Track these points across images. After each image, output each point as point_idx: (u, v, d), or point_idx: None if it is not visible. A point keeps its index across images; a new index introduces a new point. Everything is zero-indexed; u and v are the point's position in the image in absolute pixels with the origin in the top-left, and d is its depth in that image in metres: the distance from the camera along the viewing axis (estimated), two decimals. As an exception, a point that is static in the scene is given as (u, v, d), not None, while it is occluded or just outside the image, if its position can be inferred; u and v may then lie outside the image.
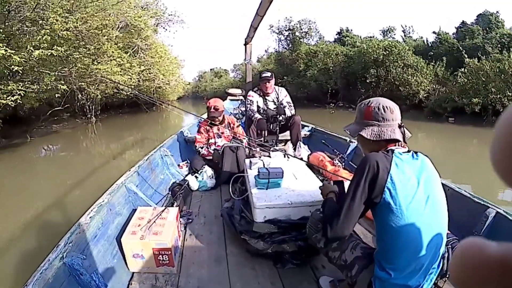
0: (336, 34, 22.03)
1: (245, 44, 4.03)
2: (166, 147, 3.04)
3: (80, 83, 8.56)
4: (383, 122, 1.01)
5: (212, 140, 2.94)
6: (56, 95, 7.37)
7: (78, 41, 7.00)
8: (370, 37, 18.96)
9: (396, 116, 1.02)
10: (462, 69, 10.48)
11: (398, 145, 1.02)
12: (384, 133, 1.00)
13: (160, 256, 1.42)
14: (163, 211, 1.62)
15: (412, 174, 0.93)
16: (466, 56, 10.56)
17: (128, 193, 1.86)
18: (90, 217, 1.36)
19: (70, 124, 11.12)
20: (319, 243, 1.17)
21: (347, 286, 1.10)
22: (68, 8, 6.67)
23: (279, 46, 23.63)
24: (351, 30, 21.79)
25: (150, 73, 13.00)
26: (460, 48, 12.07)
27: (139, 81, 11.89)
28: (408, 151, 1.00)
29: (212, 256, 1.60)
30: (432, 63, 12.74)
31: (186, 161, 3.22)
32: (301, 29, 21.32)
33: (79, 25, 6.67)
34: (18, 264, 2.33)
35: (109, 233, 1.49)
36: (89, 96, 11.52)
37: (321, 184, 1.83)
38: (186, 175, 2.77)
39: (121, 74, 9.21)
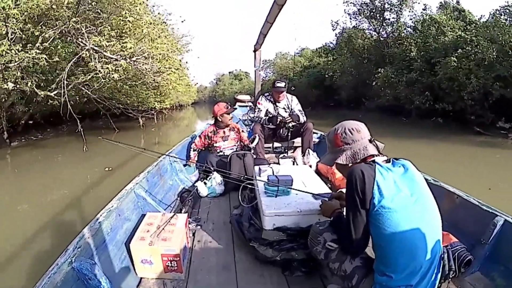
0: (439, 7, 13.83)
1: (254, 51, 4.06)
2: (176, 152, 3.06)
3: None
4: (354, 144, 1.08)
5: (217, 144, 2.96)
6: None
7: None
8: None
9: (364, 134, 1.09)
10: None
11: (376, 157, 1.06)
12: (358, 153, 1.07)
13: (169, 262, 1.42)
14: (172, 217, 1.63)
15: (396, 179, 0.97)
16: None
17: (137, 198, 1.88)
18: (99, 222, 1.38)
19: None
20: (320, 255, 1.20)
21: None
22: None
23: (350, 23, 16.64)
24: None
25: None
26: None
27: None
28: (388, 160, 1.05)
29: (220, 262, 1.59)
30: None
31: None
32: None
33: None
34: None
35: (117, 238, 1.50)
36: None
37: (328, 190, 1.82)
38: (195, 181, 2.78)
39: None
